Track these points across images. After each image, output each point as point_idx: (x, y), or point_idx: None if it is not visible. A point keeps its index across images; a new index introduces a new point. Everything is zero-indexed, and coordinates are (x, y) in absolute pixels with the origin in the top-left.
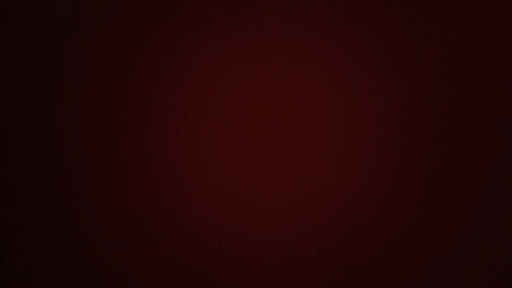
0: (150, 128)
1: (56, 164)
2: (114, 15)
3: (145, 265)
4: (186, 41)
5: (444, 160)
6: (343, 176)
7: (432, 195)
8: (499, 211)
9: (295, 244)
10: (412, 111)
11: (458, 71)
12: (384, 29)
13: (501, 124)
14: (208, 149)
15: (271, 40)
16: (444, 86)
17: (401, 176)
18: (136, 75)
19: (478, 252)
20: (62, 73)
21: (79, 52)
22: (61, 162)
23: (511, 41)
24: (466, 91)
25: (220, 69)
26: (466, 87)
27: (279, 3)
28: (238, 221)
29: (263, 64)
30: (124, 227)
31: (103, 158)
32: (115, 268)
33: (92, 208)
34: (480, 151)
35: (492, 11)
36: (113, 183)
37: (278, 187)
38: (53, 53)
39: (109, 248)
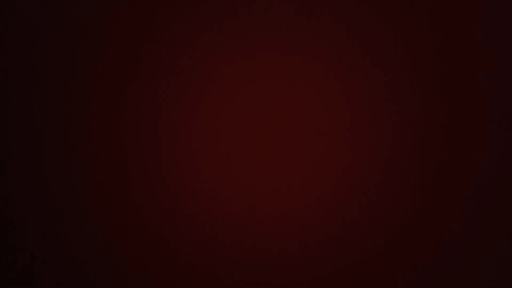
0: (154, 128)
1: (63, 163)
2: (120, 17)
3: (149, 261)
4: (188, 43)
5: (437, 160)
6: (340, 175)
7: (426, 195)
8: (494, 210)
9: (294, 241)
10: (405, 111)
11: (451, 71)
12: (379, 32)
13: (495, 124)
14: (209, 149)
15: (269, 44)
16: (437, 86)
17: (396, 175)
18: (140, 77)
19: (472, 251)
20: (70, 74)
21: (87, 56)
22: (68, 162)
23: (506, 42)
24: (458, 91)
25: (222, 71)
26: (458, 87)
27: (277, 9)
28: (238, 219)
29: (262, 66)
30: (129, 225)
31: (109, 158)
32: (120, 266)
33: (98, 208)
34: (473, 151)
35: (486, 13)
36: (119, 182)
37: (277, 185)
38: (61, 54)
39: (114, 247)
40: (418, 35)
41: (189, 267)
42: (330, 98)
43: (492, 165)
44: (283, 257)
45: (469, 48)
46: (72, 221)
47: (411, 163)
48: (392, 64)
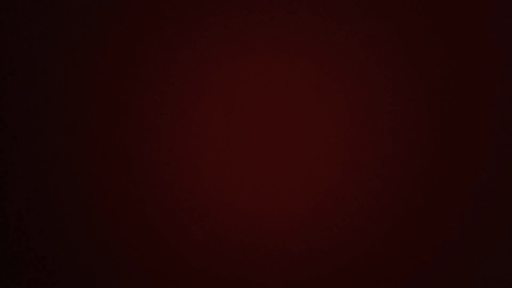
0: (154, 128)
1: (63, 164)
2: (120, 17)
3: (150, 262)
4: (188, 43)
5: (438, 160)
6: (340, 175)
7: (427, 195)
8: (494, 210)
9: (294, 241)
10: (406, 111)
11: (451, 71)
12: (379, 31)
13: (496, 124)
14: (210, 149)
15: (269, 44)
16: (437, 86)
17: (396, 175)
18: (140, 77)
19: (472, 251)
20: (70, 74)
21: (87, 56)
22: (69, 162)
23: (506, 42)
24: (459, 90)
25: (222, 71)
26: (458, 87)
27: (277, 8)
28: (237, 219)
29: (262, 67)
30: (129, 225)
31: (110, 158)
32: (120, 266)
33: (99, 208)
34: (474, 151)
35: (486, 13)
36: (119, 182)
37: (278, 185)
38: (61, 54)
39: (114, 247)
40: (419, 35)
41: (189, 267)
42: (331, 98)
43: (494, 166)
44: (283, 257)
45: (469, 47)
46: (72, 221)
47: (412, 163)
48: (393, 63)
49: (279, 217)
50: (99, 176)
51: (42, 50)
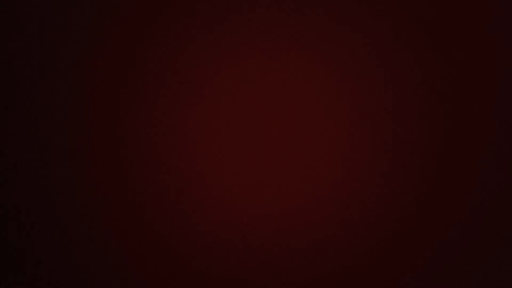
0: (155, 128)
1: (63, 165)
2: (121, 17)
3: (149, 260)
4: (189, 43)
5: (437, 160)
6: (341, 175)
7: (427, 195)
8: (494, 211)
9: (294, 241)
10: (405, 110)
11: (452, 71)
12: (380, 31)
13: (497, 125)
14: (210, 149)
15: (270, 43)
16: (438, 86)
17: (397, 175)
18: (140, 77)
19: (472, 251)
20: (69, 75)
21: (87, 56)
22: (69, 163)
23: (507, 41)
24: (459, 91)
25: (223, 70)
26: (459, 87)
27: (278, 7)
28: (238, 219)
29: (262, 66)
30: (129, 225)
31: (109, 158)
32: (120, 265)
33: (98, 208)
34: (474, 151)
35: (486, 13)
36: (118, 182)
37: (278, 185)
38: (61, 54)
39: (114, 246)
40: (420, 35)
41: (189, 267)
42: (331, 98)
43: (494, 166)
44: (284, 257)
45: (471, 48)
46: (71, 221)
47: (412, 163)
48: (394, 64)
49: (280, 217)
50: (98, 176)
51: (42, 50)
